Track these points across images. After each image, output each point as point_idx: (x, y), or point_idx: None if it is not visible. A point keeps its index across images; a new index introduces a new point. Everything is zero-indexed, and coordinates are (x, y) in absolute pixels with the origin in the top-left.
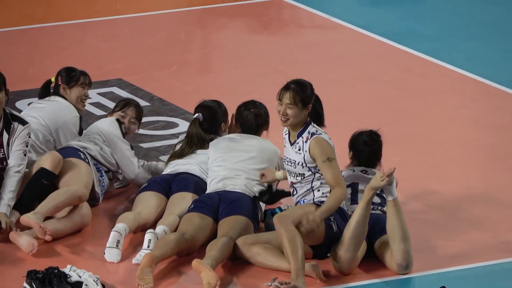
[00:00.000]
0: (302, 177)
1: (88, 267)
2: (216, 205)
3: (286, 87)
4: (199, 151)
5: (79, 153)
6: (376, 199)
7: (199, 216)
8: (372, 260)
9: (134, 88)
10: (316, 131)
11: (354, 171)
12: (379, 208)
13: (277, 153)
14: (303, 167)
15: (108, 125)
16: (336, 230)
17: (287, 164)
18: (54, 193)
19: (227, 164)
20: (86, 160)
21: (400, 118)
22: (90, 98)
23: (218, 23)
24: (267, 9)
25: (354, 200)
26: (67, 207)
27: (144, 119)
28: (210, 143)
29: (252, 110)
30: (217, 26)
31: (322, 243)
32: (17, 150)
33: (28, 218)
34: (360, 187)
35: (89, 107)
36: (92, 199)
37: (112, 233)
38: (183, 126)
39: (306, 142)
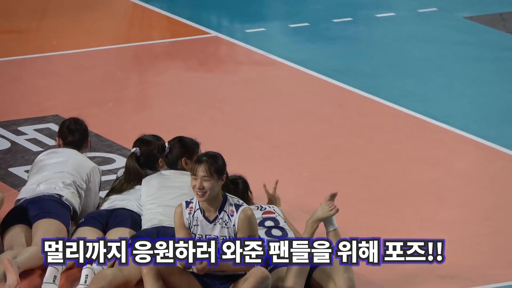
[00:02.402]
0: None
1: None
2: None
3: (199, 160)
4: (137, 187)
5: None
6: (277, 232)
7: None
8: None
9: None
10: (238, 201)
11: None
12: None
13: None
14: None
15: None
16: None
17: None
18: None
19: (160, 201)
20: None
21: (336, 154)
22: (26, 134)
23: (154, 60)
24: (204, 46)
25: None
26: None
27: None
28: (143, 180)
29: (173, 144)
30: (153, 63)
31: None
32: None
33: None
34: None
35: (25, 143)
36: None
37: (49, 269)
38: (120, 161)
39: (232, 215)
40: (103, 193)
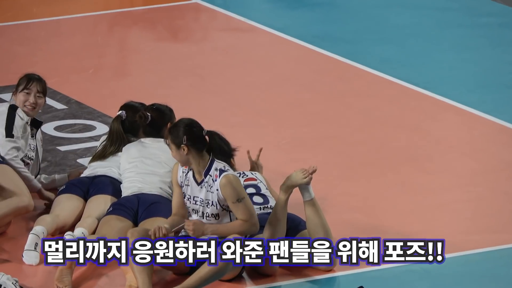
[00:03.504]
0: (216, 217)
1: (6, 270)
2: (135, 207)
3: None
4: (119, 154)
5: None
6: (258, 199)
7: (118, 218)
8: None
9: (51, 91)
10: (224, 167)
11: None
12: (262, 207)
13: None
14: (217, 208)
15: None
16: None
17: (195, 203)
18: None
19: (139, 169)
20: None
21: (317, 120)
22: (6, 101)
23: (134, 27)
24: (183, 13)
25: None
26: None
27: (61, 122)
28: (123, 148)
29: (149, 113)
30: (133, 30)
31: None
32: None
33: None
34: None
35: None
36: None
37: (30, 236)
38: (101, 128)
39: (215, 180)
40: (85, 160)
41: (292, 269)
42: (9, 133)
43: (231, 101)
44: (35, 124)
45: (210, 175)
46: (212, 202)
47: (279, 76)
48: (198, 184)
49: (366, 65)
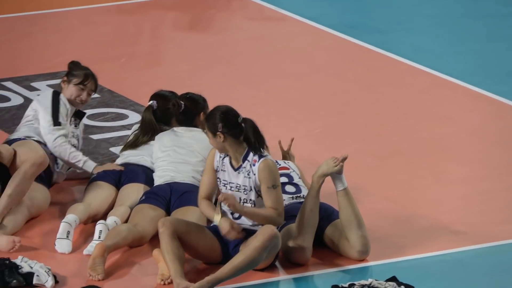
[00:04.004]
0: (252, 204)
1: (39, 258)
2: (168, 196)
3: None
4: (151, 143)
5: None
6: (291, 188)
7: (150, 207)
8: (320, 249)
9: None
10: (263, 152)
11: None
12: (294, 196)
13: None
14: (253, 193)
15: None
16: None
17: (231, 189)
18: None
19: (171, 158)
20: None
21: (348, 109)
22: (39, 89)
23: (166, 16)
24: (215, 1)
25: None
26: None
27: (94, 111)
28: (156, 137)
29: (182, 102)
30: (165, 18)
31: None
32: None
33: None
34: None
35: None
36: (50, 179)
37: (62, 224)
38: (133, 117)
39: (254, 165)
40: (118, 149)
41: (324, 258)
42: (56, 121)
43: (263, 91)
44: (79, 115)
45: (248, 161)
46: (250, 187)
47: (311, 66)
48: (235, 169)
49: (398, 54)
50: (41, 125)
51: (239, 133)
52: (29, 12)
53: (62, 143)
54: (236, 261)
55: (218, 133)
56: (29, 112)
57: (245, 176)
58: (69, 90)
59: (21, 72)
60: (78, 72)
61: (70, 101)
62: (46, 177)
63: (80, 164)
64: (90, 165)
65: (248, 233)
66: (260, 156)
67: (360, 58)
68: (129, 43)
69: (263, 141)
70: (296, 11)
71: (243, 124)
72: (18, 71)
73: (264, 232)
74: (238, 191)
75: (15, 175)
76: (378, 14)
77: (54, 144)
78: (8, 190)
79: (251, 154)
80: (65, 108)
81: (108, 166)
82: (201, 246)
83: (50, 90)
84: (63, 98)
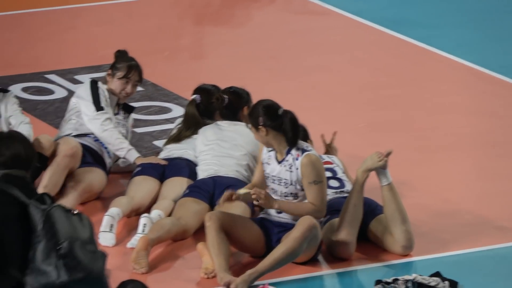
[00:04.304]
0: (295, 197)
1: None
2: (211, 190)
3: None
4: (195, 136)
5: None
6: (335, 183)
7: (194, 201)
8: (364, 244)
9: None
10: (307, 146)
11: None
12: (338, 191)
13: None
14: (295, 187)
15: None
16: None
17: (275, 183)
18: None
19: (215, 152)
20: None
21: (392, 104)
22: (82, 82)
23: (210, 8)
24: None
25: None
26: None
27: (138, 104)
28: (199, 130)
29: (226, 96)
30: (209, 11)
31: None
32: (14, 111)
33: None
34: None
35: None
36: (103, 165)
37: (105, 217)
38: (177, 111)
39: (297, 159)
40: (161, 142)
41: (368, 253)
42: (98, 106)
43: (306, 85)
44: (128, 109)
45: (291, 154)
46: (291, 181)
47: (355, 60)
48: (279, 162)
49: (442, 49)
50: (84, 115)
51: (280, 126)
52: (72, 5)
53: (111, 128)
54: (277, 253)
55: (260, 127)
56: (69, 108)
57: (286, 170)
58: (114, 84)
59: (65, 65)
60: (122, 65)
61: (116, 94)
62: (99, 162)
63: (123, 152)
64: (133, 155)
65: (290, 228)
66: (304, 151)
67: (403, 52)
68: (172, 37)
69: (298, 135)
70: (340, 5)
71: (283, 117)
72: (61, 64)
73: (303, 223)
74: (280, 184)
75: (49, 167)
76: (422, 8)
77: (101, 128)
78: (44, 181)
79: (294, 148)
80: (103, 94)
81: (151, 159)
82: (247, 239)
83: (88, 81)
84: (101, 86)
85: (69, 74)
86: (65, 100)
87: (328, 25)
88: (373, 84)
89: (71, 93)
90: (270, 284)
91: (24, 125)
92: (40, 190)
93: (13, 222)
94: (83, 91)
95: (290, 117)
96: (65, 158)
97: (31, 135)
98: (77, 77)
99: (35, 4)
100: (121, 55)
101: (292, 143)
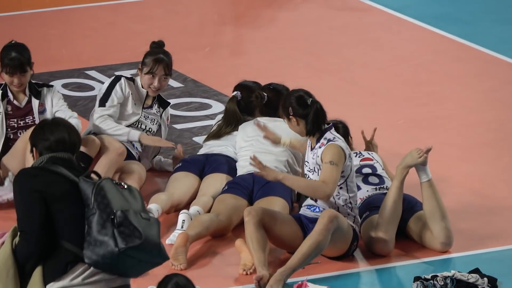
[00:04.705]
0: None
1: None
2: (250, 186)
3: None
4: (235, 133)
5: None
6: (374, 179)
7: (233, 197)
8: (403, 240)
9: None
10: (333, 138)
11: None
12: (378, 187)
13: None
14: (317, 174)
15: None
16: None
17: (306, 169)
18: None
19: (255, 148)
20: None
21: (433, 100)
22: None
23: (251, 5)
24: None
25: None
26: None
27: (178, 100)
28: (239, 127)
29: (265, 93)
30: (250, 8)
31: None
32: (60, 106)
33: None
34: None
35: None
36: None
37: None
38: (217, 107)
39: (321, 147)
40: (201, 139)
41: (407, 249)
42: (102, 103)
43: (347, 81)
44: (162, 104)
45: (319, 143)
46: (314, 168)
47: (396, 56)
48: (311, 150)
49: (484, 46)
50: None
51: (307, 115)
52: (113, 1)
53: (103, 120)
54: (303, 248)
55: (290, 116)
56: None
57: (312, 158)
58: (143, 80)
59: (105, 61)
60: (148, 60)
61: (145, 89)
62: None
63: (125, 136)
64: (135, 134)
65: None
66: (329, 140)
67: (444, 49)
68: (213, 33)
69: (319, 125)
70: (380, 1)
71: (311, 107)
72: (102, 60)
73: (324, 215)
74: (309, 171)
75: (99, 163)
76: (463, 4)
77: (98, 120)
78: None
79: (323, 137)
80: (121, 92)
81: (156, 140)
82: (286, 235)
83: (114, 76)
84: (122, 83)
85: (109, 71)
86: None
87: (369, 21)
88: (414, 80)
89: None
90: (309, 280)
91: (73, 119)
92: None
93: (65, 198)
94: (103, 86)
95: (315, 107)
96: (117, 155)
97: (80, 128)
98: (117, 73)
99: (75, 0)
100: (155, 47)
101: (309, 132)
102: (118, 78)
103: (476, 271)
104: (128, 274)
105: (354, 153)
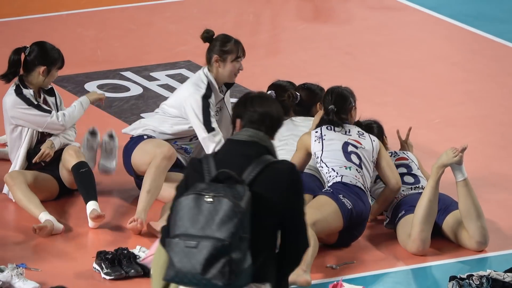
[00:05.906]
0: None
1: (143, 243)
2: None
3: None
4: None
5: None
6: (409, 179)
7: None
8: (438, 240)
9: None
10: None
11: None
12: (413, 187)
13: None
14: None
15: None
16: (351, 207)
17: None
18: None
19: (289, 147)
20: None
21: (469, 99)
22: (158, 80)
23: (286, 5)
24: None
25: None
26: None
27: None
28: None
29: (299, 93)
30: (284, 8)
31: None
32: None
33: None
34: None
35: (158, 89)
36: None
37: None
38: None
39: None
40: None
41: (443, 249)
42: (209, 128)
43: (382, 80)
44: (228, 84)
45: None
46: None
47: (431, 55)
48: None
49: None
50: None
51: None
52: (149, 2)
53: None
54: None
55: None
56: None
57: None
58: (226, 70)
59: (141, 62)
60: (229, 46)
61: (227, 78)
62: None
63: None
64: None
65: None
66: None
67: (480, 47)
68: (248, 33)
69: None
70: (416, 0)
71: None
72: (138, 61)
73: None
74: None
75: (148, 170)
76: (499, 3)
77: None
78: (146, 186)
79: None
80: (212, 107)
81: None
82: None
83: (198, 95)
84: (209, 99)
85: (144, 71)
86: (140, 98)
87: (405, 20)
88: (450, 79)
89: (146, 90)
90: (344, 280)
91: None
92: (143, 195)
93: None
94: (195, 105)
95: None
96: (164, 160)
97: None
98: (153, 74)
99: (111, 1)
100: (212, 35)
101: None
102: (206, 97)
103: None
104: None
105: (389, 152)
